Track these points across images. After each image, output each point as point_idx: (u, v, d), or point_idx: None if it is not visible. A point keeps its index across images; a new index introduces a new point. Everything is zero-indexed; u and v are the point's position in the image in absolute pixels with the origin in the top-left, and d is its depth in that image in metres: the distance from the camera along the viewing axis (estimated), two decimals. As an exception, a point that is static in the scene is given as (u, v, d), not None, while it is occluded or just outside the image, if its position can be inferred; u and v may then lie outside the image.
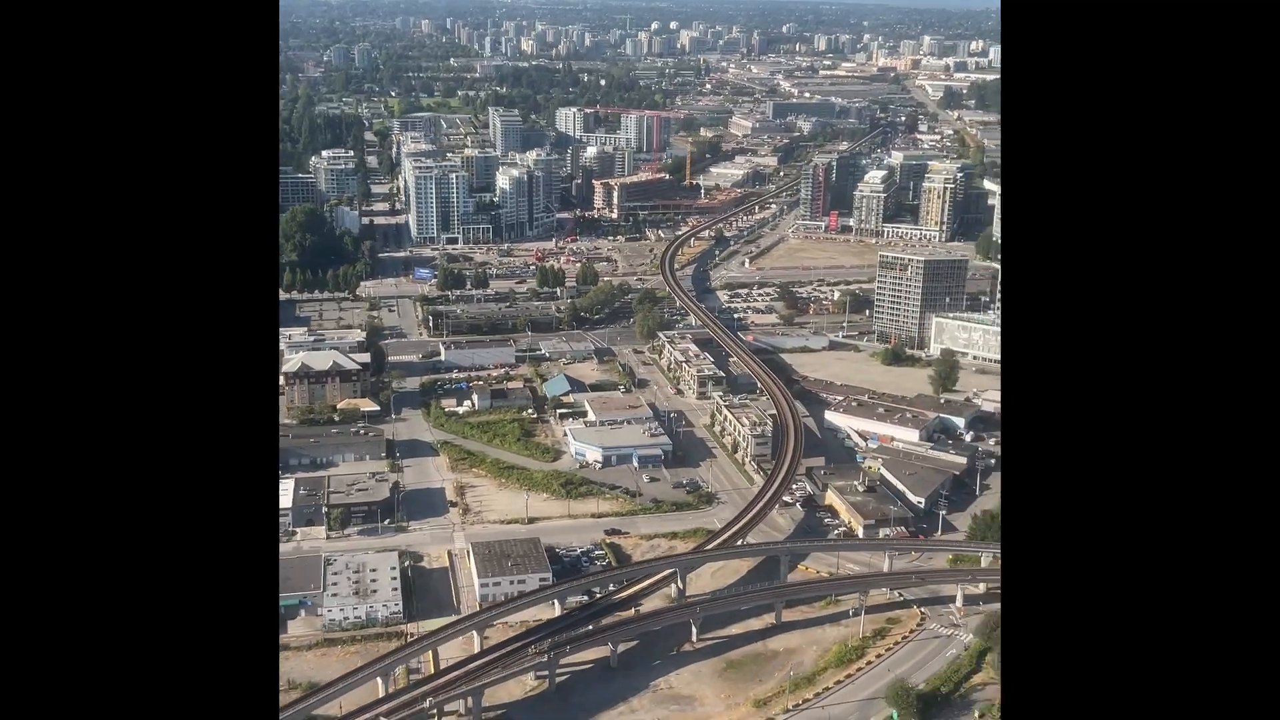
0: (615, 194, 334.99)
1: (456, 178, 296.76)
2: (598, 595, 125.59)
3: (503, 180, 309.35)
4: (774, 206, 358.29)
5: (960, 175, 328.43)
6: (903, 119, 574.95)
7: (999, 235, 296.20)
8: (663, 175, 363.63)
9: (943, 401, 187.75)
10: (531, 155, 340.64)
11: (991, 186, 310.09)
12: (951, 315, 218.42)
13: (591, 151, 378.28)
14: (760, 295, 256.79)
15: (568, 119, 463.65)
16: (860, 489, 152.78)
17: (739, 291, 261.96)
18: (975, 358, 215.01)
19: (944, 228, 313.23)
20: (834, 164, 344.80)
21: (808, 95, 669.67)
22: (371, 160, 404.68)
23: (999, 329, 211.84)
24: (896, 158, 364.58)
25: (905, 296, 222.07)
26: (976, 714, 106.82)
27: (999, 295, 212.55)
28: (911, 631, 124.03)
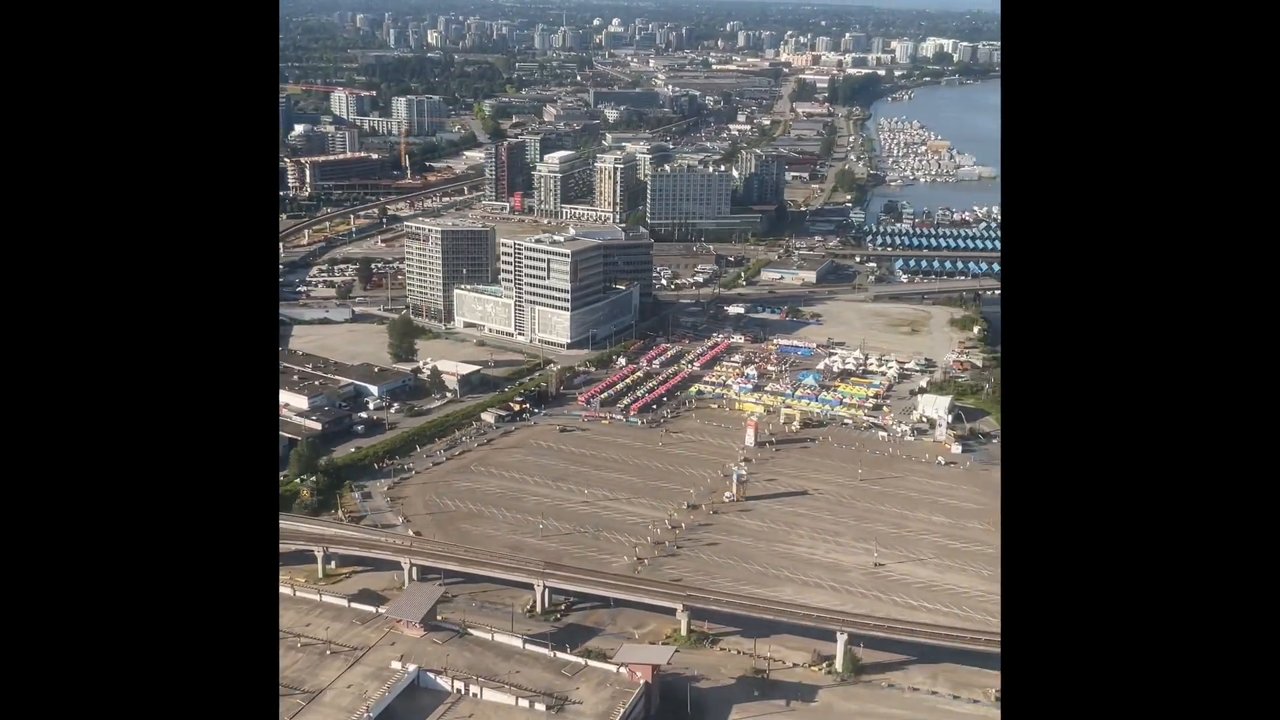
0: (308, 172, 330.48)
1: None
2: None
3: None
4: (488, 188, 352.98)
5: (648, 158, 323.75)
6: (722, 108, 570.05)
7: (650, 214, 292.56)
8: (368, 155, 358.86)
9: (377, 371, 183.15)
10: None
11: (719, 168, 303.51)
12: (469, 288, 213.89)
13: (298, 130, 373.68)
14: (349, 270, 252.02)
15: (342, 102, 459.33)
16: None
17: (336, 267, 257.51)
18: (491, 330, 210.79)
19: (617, 208, 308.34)
20: (532, 145, 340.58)
21: (668, 87, 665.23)
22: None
23: (510, 301, 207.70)
24: (607, 140, 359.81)
25: (429, 268, 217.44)
26: None
27: (512, 269, 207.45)
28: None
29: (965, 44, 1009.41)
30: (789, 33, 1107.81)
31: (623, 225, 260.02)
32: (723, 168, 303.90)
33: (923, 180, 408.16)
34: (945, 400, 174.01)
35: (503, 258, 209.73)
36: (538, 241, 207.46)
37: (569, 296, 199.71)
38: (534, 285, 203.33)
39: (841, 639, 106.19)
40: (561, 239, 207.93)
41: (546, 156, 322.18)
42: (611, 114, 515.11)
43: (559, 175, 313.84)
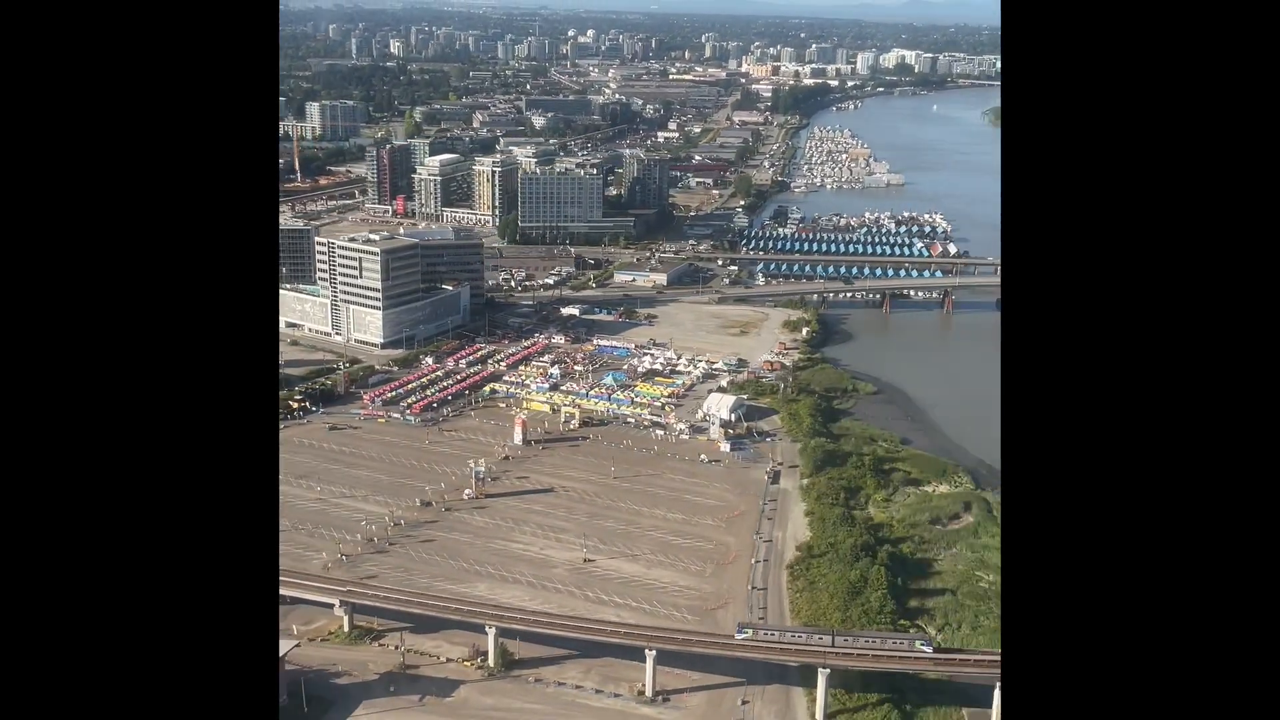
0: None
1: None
2: None
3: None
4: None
5: (533, 162, 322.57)
6: (656, 116, 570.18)
7: (523, 217, 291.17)
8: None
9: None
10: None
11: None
12: (289, 287, 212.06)
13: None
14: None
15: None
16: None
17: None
18: (310, 329, 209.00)
19: (495, 211, 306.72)
20: (420, 149, 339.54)
21: (616, 96, 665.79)
22: None
23: (327, 301, 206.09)
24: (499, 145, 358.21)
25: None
26: None
27: (331, 271, 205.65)
28: None
29: (926, 55, 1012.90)
30: (755, 44, 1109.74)
31: (454, 226, 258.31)
32: (595, 171, 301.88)
33: (829, 187, 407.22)
34: (730, 399, 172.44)
35: (318, 257, 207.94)
36: (350, 240, 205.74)
37: (380, 295, 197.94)
38: (348, 284, 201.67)
39: (491, 633, 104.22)
40: (377, 238, 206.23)
41: (427, 160, 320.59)
42: (539, 121, 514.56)
43: (439, 179, 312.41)
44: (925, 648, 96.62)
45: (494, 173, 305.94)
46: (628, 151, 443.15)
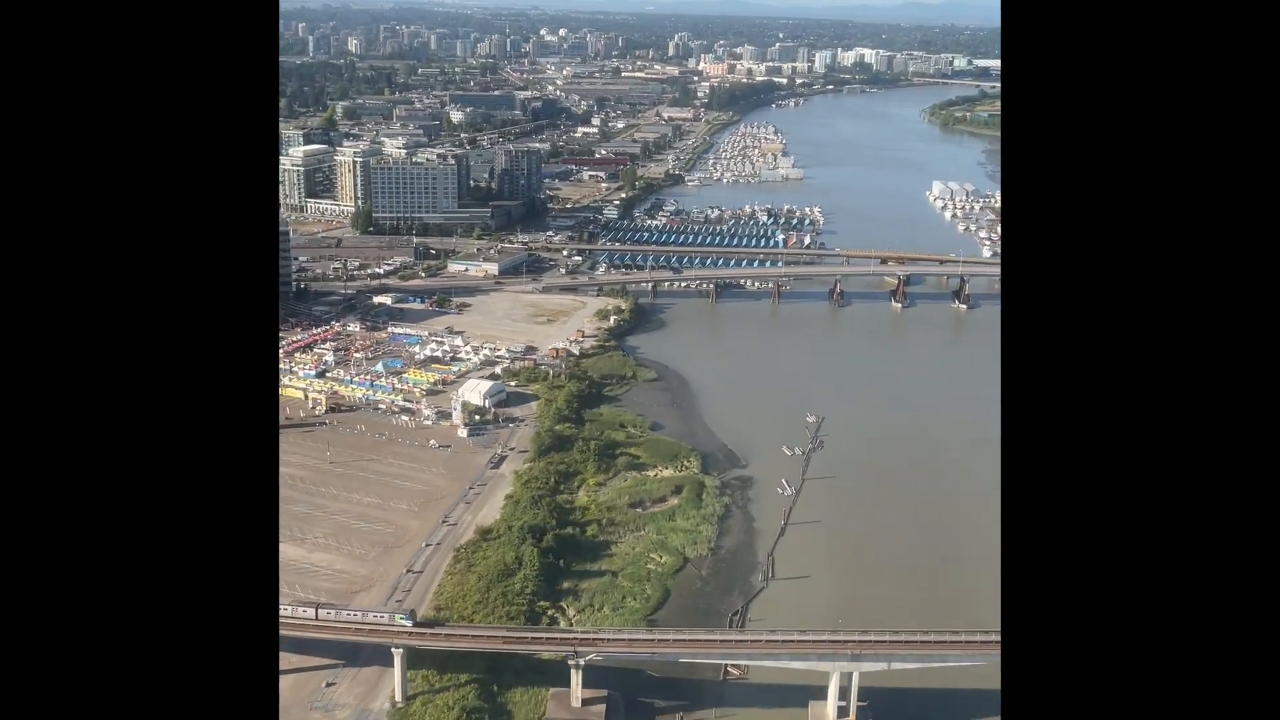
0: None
1: None
2: None
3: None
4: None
5: (403, 153, 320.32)
6: (581, 112, 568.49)
7: (377, 207, 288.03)
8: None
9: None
10: None
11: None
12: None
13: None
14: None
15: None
16: None
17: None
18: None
19: (357, 201, 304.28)
20: (296, 139, 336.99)
21: (559, 92, 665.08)
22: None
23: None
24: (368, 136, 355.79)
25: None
26: None
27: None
28: None
29: (885, 53, 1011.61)
30: (719, 42, 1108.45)
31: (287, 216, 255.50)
32: (452, 162, 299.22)
33: (726, 181, 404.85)
34: (487, 385, 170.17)
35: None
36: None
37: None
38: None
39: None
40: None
41: (290, 149, 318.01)
42: (457, 116, 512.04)
43: (302, 169, 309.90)
44: (405, 621, 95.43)
45: (355, 163, 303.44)
46: (540, 145, 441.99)
